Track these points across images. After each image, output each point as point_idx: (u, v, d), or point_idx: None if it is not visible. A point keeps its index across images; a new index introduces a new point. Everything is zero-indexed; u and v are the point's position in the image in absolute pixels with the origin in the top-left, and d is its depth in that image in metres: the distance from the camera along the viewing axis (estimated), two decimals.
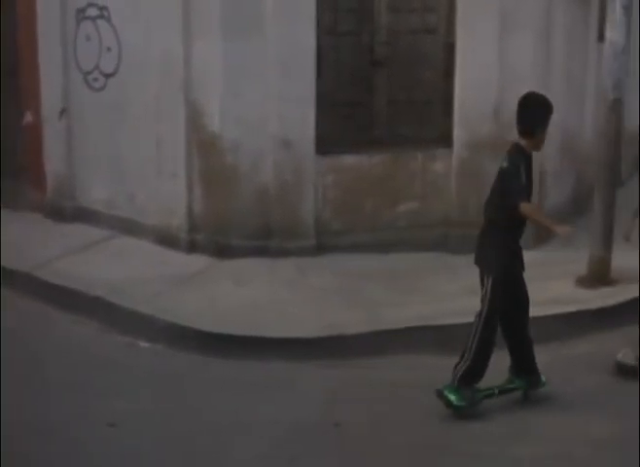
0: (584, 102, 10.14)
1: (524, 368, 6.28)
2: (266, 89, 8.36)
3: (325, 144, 8.51)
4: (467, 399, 6.02)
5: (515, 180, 5.89)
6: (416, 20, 8.82)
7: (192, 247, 8.61)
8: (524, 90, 8.76)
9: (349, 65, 8.70)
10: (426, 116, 8.86)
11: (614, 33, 8.29)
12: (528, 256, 8.68)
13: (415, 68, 8.84)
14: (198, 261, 8.41)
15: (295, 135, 8.43)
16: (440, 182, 8.78)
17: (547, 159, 9.18)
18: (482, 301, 6.04)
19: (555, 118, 9.28)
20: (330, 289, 7.85)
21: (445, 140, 8.78)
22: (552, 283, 8.01)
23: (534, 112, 6.08)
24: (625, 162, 12.15)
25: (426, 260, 8.52)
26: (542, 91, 8.89)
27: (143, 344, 7.21)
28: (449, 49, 8.79)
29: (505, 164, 6.00)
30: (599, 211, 8.33)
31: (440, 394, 6.04)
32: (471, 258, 8.63)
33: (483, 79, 8.71)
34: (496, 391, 6.19)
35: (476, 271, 8.32)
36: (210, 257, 8.45)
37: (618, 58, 8.27)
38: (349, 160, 8.61)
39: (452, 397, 6.01)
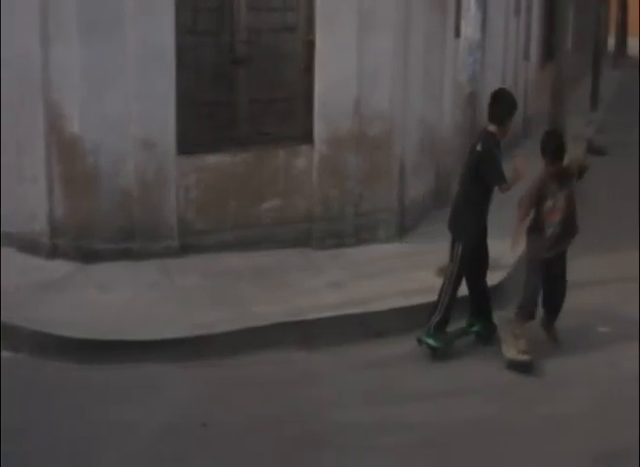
0: (442, 97, 10.39)
1: (482, 314, 7.31)
2: (126, 89, 8.25)
3: (187, 144, 8.44)
4: (442, 341, 7.06)
5: (494, 165, 6.85)
6: (276, 19, 8.85)
7: (54, 253, 8.42)
8: (384, 86, 9.05)
9: (210, 64, 8.64)
10: (287, 113, 8.90)
11: (468, 29, 8.52)
12: (391, 248, 8.98)
13: (276, 66, 8.87)
14: (62, 266, 8.23)
15: (156, 136, 8.34)
16: (302, 178, 8.84)
17: (406, 153, 9.40)
18: (453, 261, 7.10)
19: (415, 113, 9.58)
20: (196, 289, 7.81)
21: (307, 137, 8.84)
22: (415, 274, 8.20)
23: (504, 105, 7.11)
24: None
25: (291, 256, 8.59)
26: (400, 88, 9.23)
27: (5, 354, 7.03)
28: (309, 47, 8.85)
29: (479, 148, 6.93)
30: None
31: (420, 341, 7.04)
32: (334, 252, 8.89)
33: (343, 76, 8.82)
34: (460, 333, 7.28)
35: (338, 266, 8.58)
36: (73, 262, 8.27)
37: (472, 53, 8.50)
38: (212, 159, 8.58)
39: (431, 341, 7.02)
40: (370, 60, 8.90)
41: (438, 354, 7.03)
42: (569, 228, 7.22)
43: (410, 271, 8.24)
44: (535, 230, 7.13)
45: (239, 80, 8.73)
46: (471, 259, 7.09)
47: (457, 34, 9.56)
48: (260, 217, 8.77)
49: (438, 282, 8.05)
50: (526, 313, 7.09)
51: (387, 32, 9.00)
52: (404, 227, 9.36)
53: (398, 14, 9.10)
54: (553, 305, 7.35)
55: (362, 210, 9.03)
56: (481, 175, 6.88)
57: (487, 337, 7.26)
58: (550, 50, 15.19)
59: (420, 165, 9.80)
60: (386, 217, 9.19)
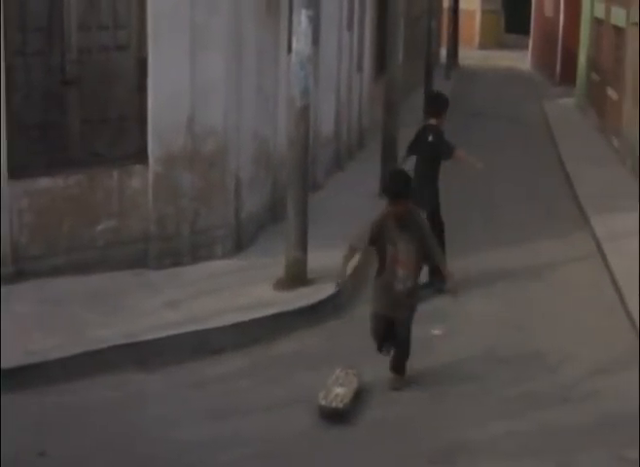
0: (276, 112, 10.55)
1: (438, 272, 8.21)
2: None
3: (18, 168, 8.26)
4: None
5: (445, 143, 9.06)
6: (107, 38, 8.79)
7: None
8: (217, 104, 9.12)
9: (40, 85, 8.49)
10: (121, 133, 8.85)
11: (299, 44, 8.66)
12: (229, 264, 9.05)
13: (108, 85, 8.80)
14: None
15: None
16: (137, 198, 8.80)
17: (241, 169, 9.50)
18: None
19: (249, 128, 9.70)
20: (31, 315, 7.66)
21: (141, 156, 8.82)
22: (251, 288, 8.32)
23: (439, 102, 9.34)
24: (321, 166, 12.74)
25: (127, 277, 8.55)
26: (234, 104, 9.33)
27: None
28: (142, 65, 8.84)
29: (431, 138, 9.06)
30: (293, 214, 8.67)
31: None
32: (171, 271, 8.92)
33: (176, 94, 8.84)
34: (424, 285, 8.38)
35: (175, 285, 8.61)
36: None
37: (304, 68, 8.64)
38: (44, 182, 8.41)
39: None
40: (202, 77, 8.96)
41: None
42: (415, 287, 6.99)
43: (248, 287, 8.34)
44: (382, 281, 6.89)
45: (70, 100, 8.63)
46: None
47: (290, 49, 9.71)
48: (95, 239, 8.68)
49: (274, 295, 8.25)
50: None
51: (219, 48, 9.09)
52: (241, 242, 9.45)
53: (230, 30, 9.20)
54: (398, 353, 7.06)
55: (198, 228, 9.07)
56: (435, 155, 9.07)
57: (441, 288, 8.39)
58: (382, 62, 15.57)
59: (256, 180, 9.92)
60: (223, 233, 9.26)
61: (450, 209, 10.32)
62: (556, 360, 7.72)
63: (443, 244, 8.89)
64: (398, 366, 7.02)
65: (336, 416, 6.43)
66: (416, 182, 8.59)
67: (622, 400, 6.98)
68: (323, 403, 6.46)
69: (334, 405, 6.45)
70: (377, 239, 6.76)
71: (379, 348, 7.08)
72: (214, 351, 7.41)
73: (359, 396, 6.74)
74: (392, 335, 6.98)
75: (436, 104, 9.33)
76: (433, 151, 9.10)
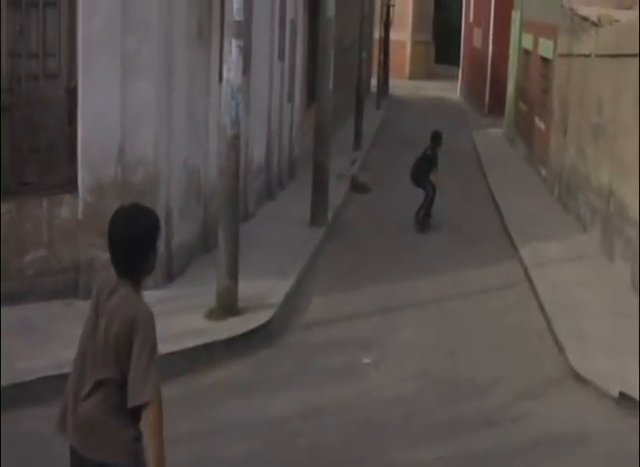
0: (207, 141, 10.57)
1: (430, 213, 13.98)
2: None
3: None
4: (424, 224, 13.79)
5: (434, 162, 13.94)
6: (37, 66, 8.74)
7: None
8: (148, 133, 9.10)
9: None
10: (50, 162, 8.77)
11: (230, 73, 8.72)
12: (159, 294, 8.99)
13: (38, 114, 8.74)
14: None
15: None
16: (67, 227, 8.73)
17: (172, 198, 9.47)
18: (428, 193, 13.87)
19: (179, 157, 9.70)
20: None
21: (71, 185, 8.75)
22: (182, 318, 8.27)
23: (438, 137, 14.12)
24: (252, 195, 12.78)
25: (57, 307, 8.44)
26: (165, 133, 9.32)
27: None
28: (72, 93, 8.79)
29: (429, 152, 13.98)
30: (224, 244, 8.70)
31: (416, 224, 13.84)
32: None
33: (106, 123, 8.80)
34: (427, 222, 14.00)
35: None
36: None
37: (235, 97, 8.70)
38: None
39: (421, 225, 13.73)
40: (133, 106, 8.92)
41: (420, 229, 13.58)
42: None
43: (179, 316, 8.29)
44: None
45: (0, 129, 8.55)
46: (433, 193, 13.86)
47: (221, 78, 9.76)
48: (24, 269, 8.57)
49: (206, 325, 8.23)
50: None
51: (150, 77, 9.06)
52: (172, 272, 9.41)
53: (161, 58, 9.19)
54: None
55: None
56: (431, 163, 13.95)
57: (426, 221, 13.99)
58: (313, 91, 15.71)
59: (186, 210, 9.90)
60: None
61: (378, 236, 10.48)
62: (485, 385, 7.84)
63: (431, 203, 13.86)
64: None
65: None
66: (416, 178, 13.86)
67: (549, 422, 7.12)
68: None
69: None
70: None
71: None
72: None
73: None
74: None
75: (433, 137, 14.16)
76: (428, 159, 13.89)
